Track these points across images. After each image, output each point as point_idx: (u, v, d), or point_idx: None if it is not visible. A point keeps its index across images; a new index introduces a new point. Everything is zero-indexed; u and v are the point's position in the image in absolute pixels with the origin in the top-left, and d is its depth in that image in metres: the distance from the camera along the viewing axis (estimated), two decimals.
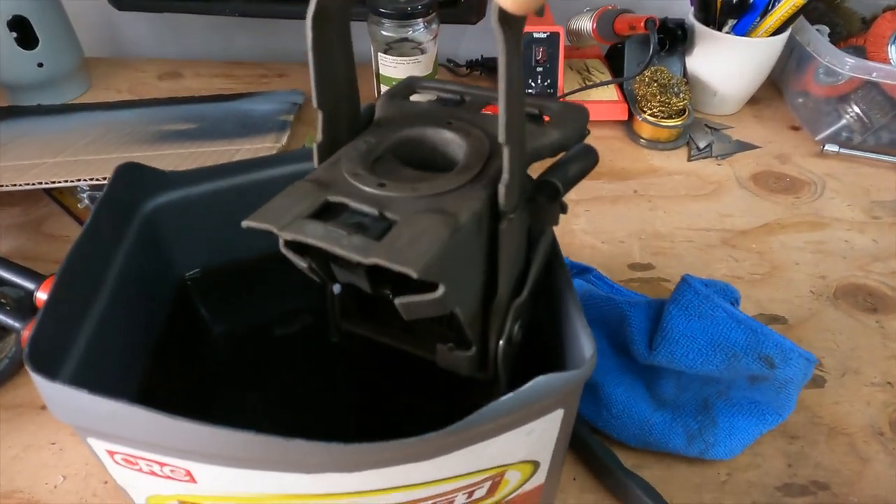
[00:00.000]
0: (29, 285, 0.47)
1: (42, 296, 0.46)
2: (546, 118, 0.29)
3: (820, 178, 0.64)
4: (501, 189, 0.23)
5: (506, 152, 0.22)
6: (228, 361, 0.34)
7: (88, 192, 0.52)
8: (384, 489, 0.22)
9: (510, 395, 0.20)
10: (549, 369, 0.20)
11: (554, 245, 0.29)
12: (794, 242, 0.56)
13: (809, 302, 0.51)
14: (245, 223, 0.21)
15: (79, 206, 0.56)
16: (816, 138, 0.68)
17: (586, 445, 0.39)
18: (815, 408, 0.43)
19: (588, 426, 0.40)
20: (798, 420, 0.42)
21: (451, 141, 0.27)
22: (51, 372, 0.21)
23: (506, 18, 0.18)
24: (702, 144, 0.68)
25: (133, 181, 0.28)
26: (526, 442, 0.22)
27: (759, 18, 0.65)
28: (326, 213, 0.22)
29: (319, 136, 0.25)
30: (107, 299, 0.26)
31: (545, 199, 0.25)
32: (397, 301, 0.22)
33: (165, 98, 0.72)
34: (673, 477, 0.39)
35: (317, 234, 0.21)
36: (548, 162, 0.28)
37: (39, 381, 0.19)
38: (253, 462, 0.20)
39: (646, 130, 0.67)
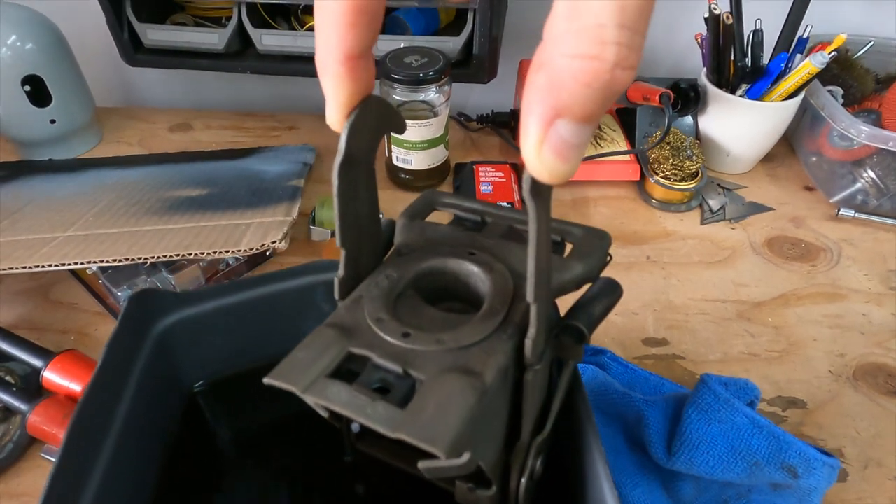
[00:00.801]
0: (37, 363, 0.46)
1: (50, 376, 0.45)
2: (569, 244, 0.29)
3: (836, 243, 0.63)
4: (528, 343, 0.22)
5: (533, 310, 0.21)
6: (238, 471, 0.33)
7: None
8: None
9: None
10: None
11: (575, 375, 0.28)
12: (811, 315, 0.55)
13: (829, 383, 0.50)
14: (266, 380, 0.21)
15: (87, 272, 0.56)
16: (831, 200, 0.68)
17: None
18: None
19: None
20: None
21: (474, 274, 0.26)
22: None
23: (537, 189, 0.18)
24: (715, 206, 0.67)
25: (146, 306, 0.28)
26: None
27: (772, 83, 0.64)
28: (349, 364, 0.22)
29: (341, 272, 0.25)
30: (119, 430, 0.26)
31: (570, 341, 0.25)
32: (420, 465, 0.21)
33: (176, 154, 0.72)
34: None
35: (341, 400, 0.20)
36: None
37: None
38: None
39: (658, 192, 0.67)
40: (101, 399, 0.25)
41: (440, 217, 0.30)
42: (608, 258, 0.27)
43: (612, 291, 0.26)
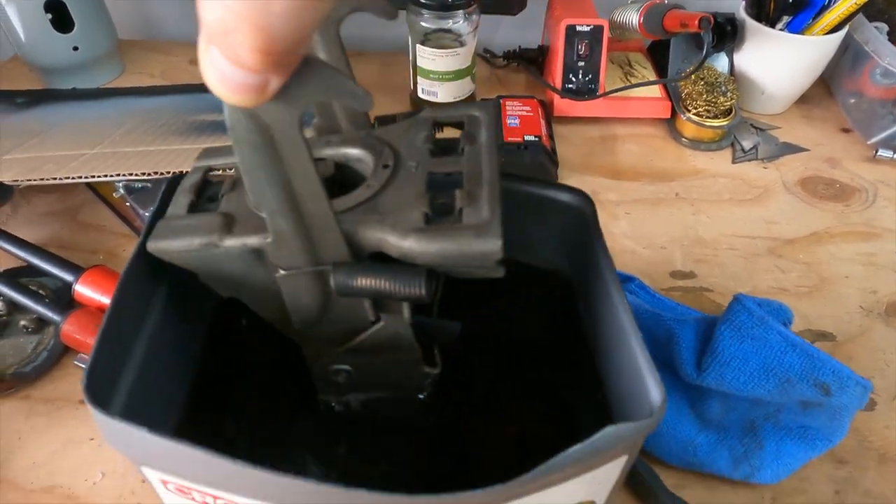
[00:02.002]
0: (68, 277, 0.47)
1: (81, 289, 0.46)
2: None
3: (871, 184, 0.62)
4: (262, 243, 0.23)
5: (267, 218, 0.22)
6: (272, 361, 0.33)
7: (124, 183, 0.52)
8: None
9: (579, 446, 0.19)
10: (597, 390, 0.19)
11: (604, 249, 0.27)
12: (844, 254, 0.54)
13: (859, 318, 0.49)
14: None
15: (114, 195, 0.56)
16: (869, 142, 0.65)
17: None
18: (866, 432, 0.41)
19: None
20: (847, 444, 0.40)
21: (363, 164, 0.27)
22: (106, 399, 0.20)
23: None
24: (747, 146, 0.65)
25: None
26: (586, 486, 0.22)
27: (815, 16, 0.62)
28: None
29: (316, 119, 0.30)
30: (156, 318, 0.26)
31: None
32: None
33: (198, 84, 0.71)
34: (715, 499, 0.38)
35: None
36: None
37: (97, 415, 0.18)
38: None
39: (689, 130, 0.65)
40: (141, 278, 0.25)
41: None
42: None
43: (407, 281, 0.22)
